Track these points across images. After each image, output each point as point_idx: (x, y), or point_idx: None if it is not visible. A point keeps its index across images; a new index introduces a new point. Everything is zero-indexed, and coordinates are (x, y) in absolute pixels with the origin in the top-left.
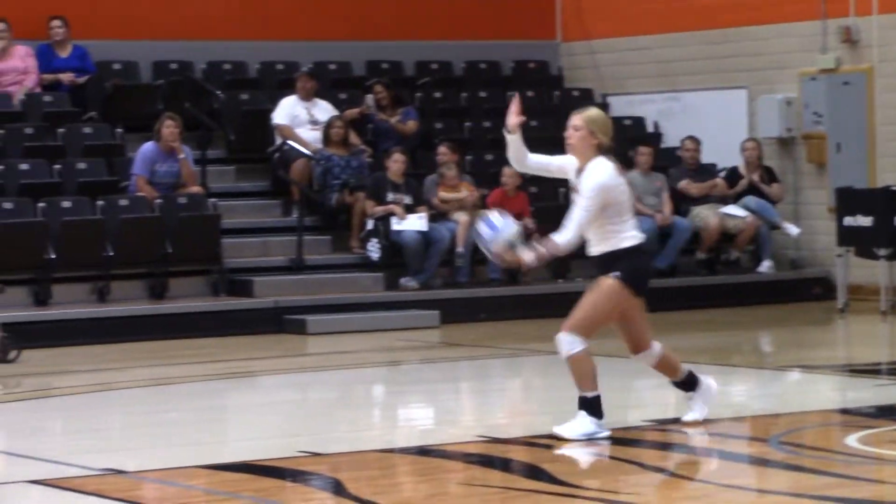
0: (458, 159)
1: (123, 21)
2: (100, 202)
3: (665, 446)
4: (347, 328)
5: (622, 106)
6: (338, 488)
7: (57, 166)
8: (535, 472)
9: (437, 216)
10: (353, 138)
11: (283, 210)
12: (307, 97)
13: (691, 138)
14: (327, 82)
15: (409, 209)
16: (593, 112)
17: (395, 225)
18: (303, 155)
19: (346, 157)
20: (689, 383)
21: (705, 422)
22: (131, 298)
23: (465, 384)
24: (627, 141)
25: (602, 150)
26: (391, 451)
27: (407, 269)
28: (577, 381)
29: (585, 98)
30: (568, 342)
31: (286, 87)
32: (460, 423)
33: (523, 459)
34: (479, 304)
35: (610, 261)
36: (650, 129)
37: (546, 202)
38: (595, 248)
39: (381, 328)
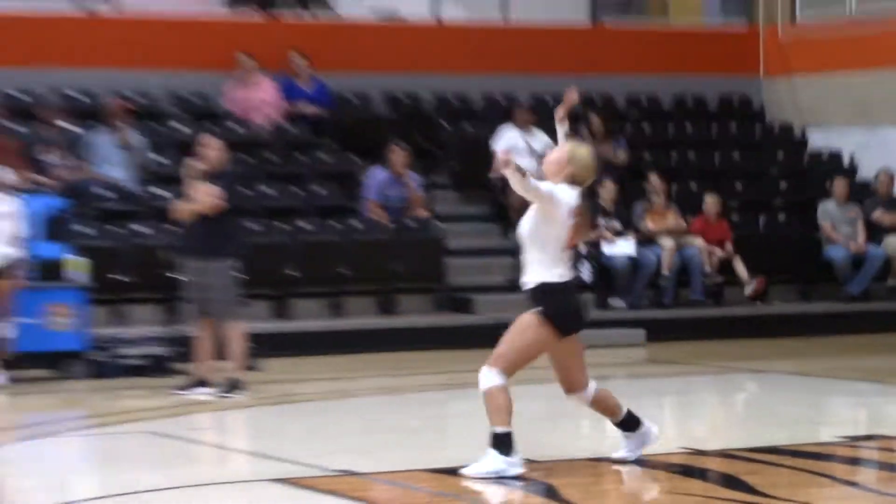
0: (666, 188)
1: (358, 55)
2: (336, 224)
3: (856, 461)
4: None
5: (820, 139)
6: (551, 492)
7: (297, 191)
8: (733, 483)
9: (645, 241)
10: None
11: (502, 233)
12: (525, 128)
13: (885, 171)
14: (544, 114)
15: (619, 234)
16: (580, 149)
17: (605, 248)
18: None
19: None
20: (628, 423)
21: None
22: (363, 313)
23: (669, 398)
24: (825, 173)
25: (571, 181)
26: (599, 459)
27: (615, 290)
28: (490, 415)
29: (786, 131)
30: (485, 377)
31: (507, 118)
32: (663, 434)
33: (722, 470)
34: (683, 325)
35: (537, 295)
36: (846, 161)
37: (746, 231)
38: (526, 278)
39: (591, 345)
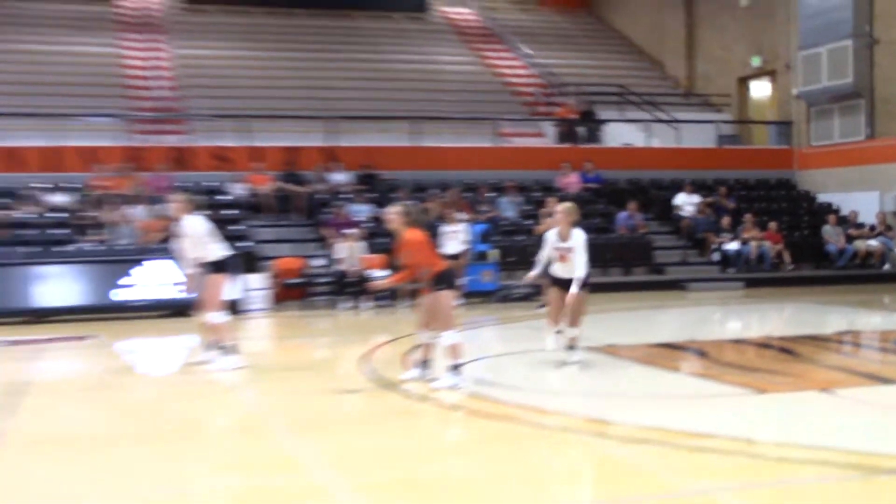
0: (753, 219)
1: (614, 161)
2: (602, 236)
3: (843, 342)
4: (705, 289)
5: (824, 198)
6: (702, 353)
7: (587, 222)
8: (785, 350)
9: (743, 242)
10: (709, 212)
11: (676, 240)
12: (690, 193)
13: (853, 211)
14: (696, 185)
15: (732, 240)
16: (569, 204)
17: (725, 246)
18: (687, 217)
19: (705, 219)
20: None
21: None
22: (615, 275)
23: (755, 314)
24: (825, 213)
25: (575, 224)
26: (723, 340)
27: (730, 264)
28: (573, 320)
29: (807, 194)
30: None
31: (680, 189)
32: (753, 329)
33: (777, 345)
34: (761, 281)
35: (572, 280)
36: (835, 207)
37: (790, 239)
38: (562, 273)
39: (719, 290)
